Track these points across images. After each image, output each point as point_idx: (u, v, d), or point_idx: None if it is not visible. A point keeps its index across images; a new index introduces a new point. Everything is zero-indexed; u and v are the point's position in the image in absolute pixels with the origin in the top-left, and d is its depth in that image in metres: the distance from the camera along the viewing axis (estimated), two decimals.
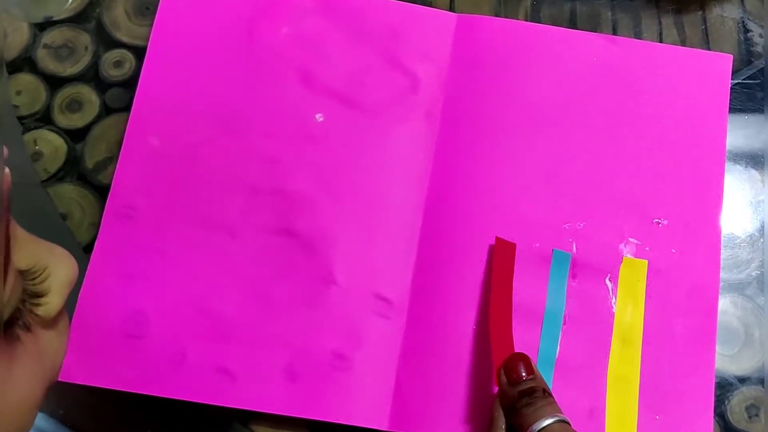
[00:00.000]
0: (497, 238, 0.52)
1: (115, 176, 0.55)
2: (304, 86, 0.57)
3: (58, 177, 0.56)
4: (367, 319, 0.52)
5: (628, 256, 0.53)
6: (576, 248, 0.53)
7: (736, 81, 0.57)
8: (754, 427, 0.51)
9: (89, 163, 0.56)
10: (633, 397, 0.50)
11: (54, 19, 0.59)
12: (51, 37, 0.59)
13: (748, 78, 0.57)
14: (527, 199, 0.54)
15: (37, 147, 0.57)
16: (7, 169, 0.25)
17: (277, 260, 0.53)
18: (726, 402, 0.51)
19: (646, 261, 0.53)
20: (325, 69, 0.57)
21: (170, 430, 0.52)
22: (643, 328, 0.51)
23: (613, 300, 0.52)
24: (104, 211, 0.54)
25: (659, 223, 0.54)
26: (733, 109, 0.57)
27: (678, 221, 0.54)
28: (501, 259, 0.52)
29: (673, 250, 0.53)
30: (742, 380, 0.51)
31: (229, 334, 0.51)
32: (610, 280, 0.52)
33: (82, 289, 0.52)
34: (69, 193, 0.56)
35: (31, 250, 0.27)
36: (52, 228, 0.55)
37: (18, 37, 0.59)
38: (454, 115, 0.56)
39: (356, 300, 0.52)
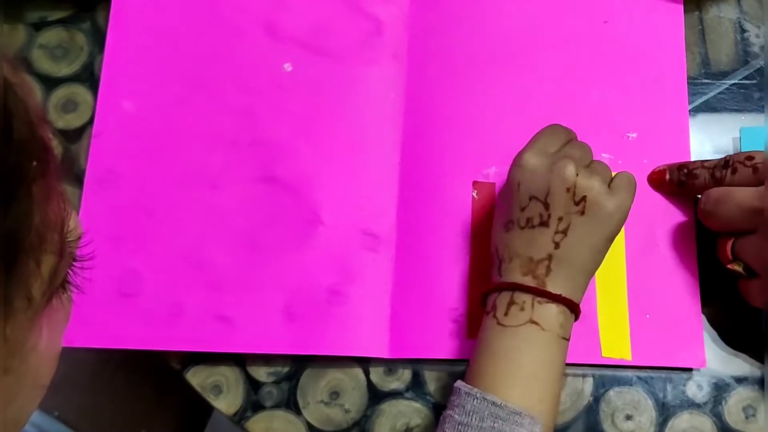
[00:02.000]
0: (475, 182, 0.54)
1: (91, 144, 0.55)
2: (270, 38, 0.58)
3: None
4: (357, 255, 0.53)
5: None
6: None
7: (733, 81, 0.57)
8: (750, 428, 0.50)
9: (84, 163, 0.56)
10: (622, 300, 0.52)
11: (49, 19, 0.59)
12: (46, 37, 0.59)
13: (745, 78, 0.57)
14: (500, 126, 0.56)
15: None
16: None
17: (264, 207, 0.54)
18: (723, 402, 0.51)
19: None
20: (288, 19, 0.58)
21: (165, 430, 0.52)
22: (625, 236, 0.53)
23: None
24: (85, 179, 0.55)
25: (629, 137, 0.55)
26: (729, 110, 0.57)
27: (647, 133, 0.55)
28: (481, 201, 0.54)
29: (645, 161, 0.55)
30: (739, 381, 0.51)
31: (224, 282, 0.52)
32: None
33: None
34: None
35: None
36: None
37: (13, 38, 0.59)
38: (420, 53, 0.57)
39: (344, 238, 0.53)
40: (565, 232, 0.46)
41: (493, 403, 0.43)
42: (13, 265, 0.23)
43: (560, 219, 0.46)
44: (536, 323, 0.45)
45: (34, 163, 0.23)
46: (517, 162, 0.48)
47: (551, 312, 0.45)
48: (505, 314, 0.45)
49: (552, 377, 0.45)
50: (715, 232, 0.49)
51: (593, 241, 0.46)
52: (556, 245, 0.46)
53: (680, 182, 0.52)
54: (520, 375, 0.44)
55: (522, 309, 0.45)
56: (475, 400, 0.43)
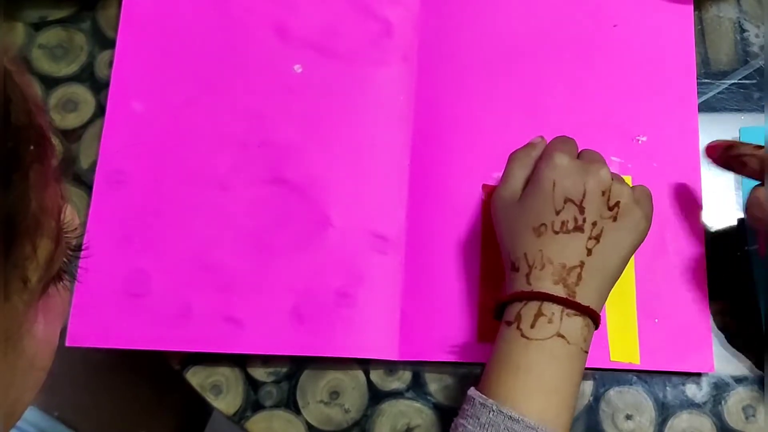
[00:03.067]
0: (484, 185, 0.54)
1: (101, 144, 0.55)
2: (280, 39, 0.58)
3: None
4: (366, 257, 0.53)
5: None
6: None
7: (733, 81, 0.57)
8: (750, 428, 0.50)
9: (84, 163, 0.56)
10: (631, 305, 0.52)
11: (49, 19, 0.59)
12: (46, 37, 0.59)
13: (745, 78, 0.57)
14: (510, 129, 0.56)
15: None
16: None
17: (273, 208, 0.54)
18: (723, 402, 0.51)
19: (630, 177, 0.54)
20: (299, 21, 0.58)
21: (165, 430, 0.52)
22: None
23: None
24: (94, 179, 0.55)
25: (639, 140, 0.55)
26: (729, 110, 0.57)
27: (657, 136, 0.55)
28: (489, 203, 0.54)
29: (655, 164, 0.55)
30: (739, 381, 0.51)
31: (233, 283, 0.52)
32: None
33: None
34: None
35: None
36: None
37: (13, 38, 0.59)
38: (430, 55, 0.57)
39: (353, 240, 0.53)
40: (597, 239, 0.45)
41: (510, 417, 0.41)
42: (9, 248, 0.23)
43: (594, 224, 0.45)
44: (563, 336, 0.43)
45: (32, 148, 0.23)
46: (548, 162, 0.46)
47: (577, 325, 0.44)
48: (532, 326, 0.43)
49: (571, 391, 0.44)
50: (721, 234, 0.49)
51: (622, 249, 0.45)
52: (589, 252, 0.45)
53: (728, 164, 0.49)
54: (540, 389, 0.43)
55: (550, 321, 0.43)
56: (491, 413, 0.42)
